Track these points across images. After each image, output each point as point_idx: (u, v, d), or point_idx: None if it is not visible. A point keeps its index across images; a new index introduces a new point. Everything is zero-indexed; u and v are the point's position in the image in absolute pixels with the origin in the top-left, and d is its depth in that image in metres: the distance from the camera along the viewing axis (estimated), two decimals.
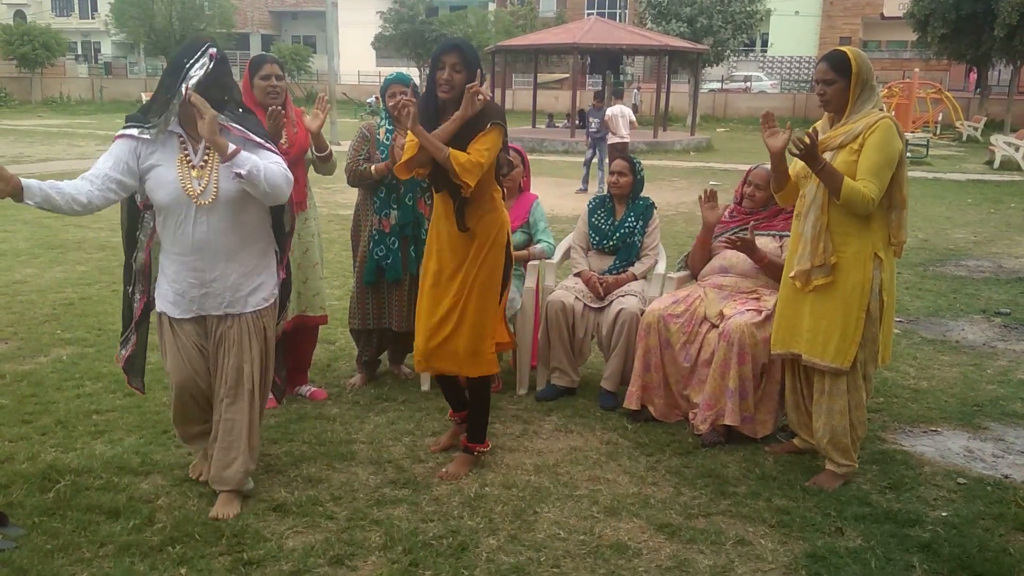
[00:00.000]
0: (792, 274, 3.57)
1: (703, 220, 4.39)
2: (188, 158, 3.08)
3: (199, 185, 3.06)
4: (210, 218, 3.10)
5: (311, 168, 4.39)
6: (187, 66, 2.98)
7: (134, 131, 3.05)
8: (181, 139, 3.10)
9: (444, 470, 3.64)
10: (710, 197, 4.35)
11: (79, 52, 52.43)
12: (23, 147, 19.58)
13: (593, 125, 14.20)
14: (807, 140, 3.28)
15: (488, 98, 3.39)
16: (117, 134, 3.07)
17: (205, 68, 2.98)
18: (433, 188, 3.59)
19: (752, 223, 4.24)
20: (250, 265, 3.24)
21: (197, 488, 3.45)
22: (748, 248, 4.08)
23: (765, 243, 4.21)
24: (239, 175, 3.00)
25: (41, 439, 3.91)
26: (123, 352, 3.44)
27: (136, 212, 3.26)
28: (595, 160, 14.03)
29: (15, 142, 20.91)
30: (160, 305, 3.24)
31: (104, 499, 3.33)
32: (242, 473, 3.29)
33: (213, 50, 3.03)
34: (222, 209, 3.10)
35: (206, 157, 3.09)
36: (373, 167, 4.38)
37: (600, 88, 16.24)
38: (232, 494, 3.29)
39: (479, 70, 3.41)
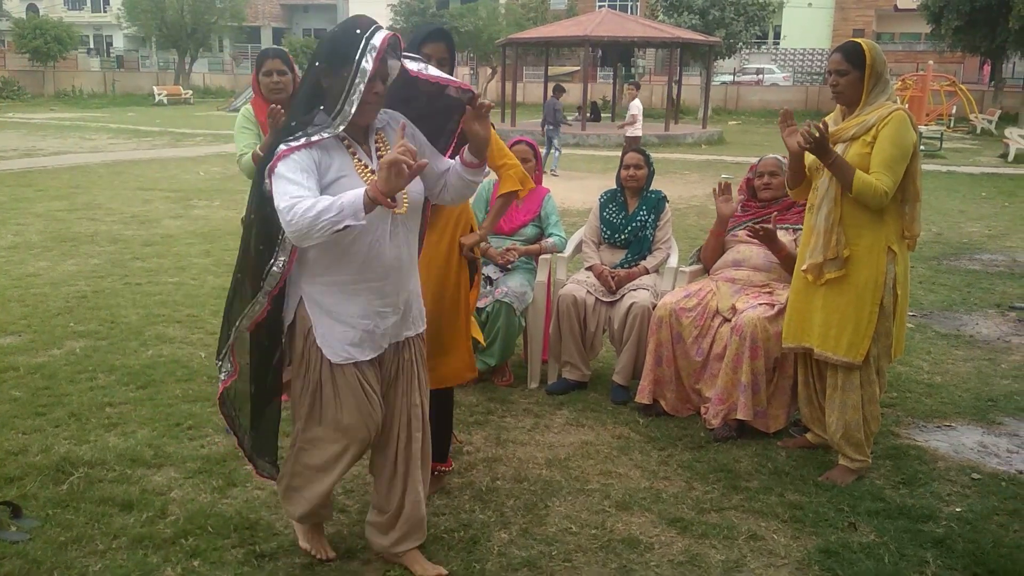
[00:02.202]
0: (804, 267, 3.54)
1: (718, 213, 4.38)
2: (363, 163, 2.56)
3: None
4: (401, 230, 2.63)
5: None
6: (359, 59, 2.39)
7: (302, 139, 2.44)
8: (346, 142, 2.57)
9: None
10: (724, 190, 4.34)
11: (91, 46, 52.65)
12: (36, 140, 19.68)
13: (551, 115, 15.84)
14: (815, 133, 3.25)
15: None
16: (280, 152, 2.42)
17: (374, 55, 2.40)
18: None
19: (775, 213, 4.19)
20: (416, 276, 2.82)
21: (210, 481, 3.46)
22: (768, 238, 4.04)
23: (779, 236, 4.18)
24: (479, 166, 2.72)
25: (55, 431, 3.93)
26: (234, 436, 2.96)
27: (266, 259, 2.55)
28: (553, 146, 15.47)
29: (28, 135, 21.01)
30: (337, 354, 2.62)
31: (117, 491, 3.34)
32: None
33: (383, 35, 2.43)
34: (411, 217, 2.66)
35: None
36: None
37: (557, 84, 17.46)
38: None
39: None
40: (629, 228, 4.68)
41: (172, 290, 6.53)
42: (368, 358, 2.67)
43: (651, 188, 4.79)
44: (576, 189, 13.03)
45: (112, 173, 13.96)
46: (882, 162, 3.30)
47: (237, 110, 4.18)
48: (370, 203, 2.27)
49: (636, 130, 15.32)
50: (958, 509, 3.38)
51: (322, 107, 2.48)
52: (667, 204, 4.79)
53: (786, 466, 3.73)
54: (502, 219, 4.72)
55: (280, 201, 2.35)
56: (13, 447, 3.73)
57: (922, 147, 18.53)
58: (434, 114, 2.79)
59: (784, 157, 3.94)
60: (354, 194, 2.29)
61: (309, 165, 2.42)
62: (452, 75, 3.21)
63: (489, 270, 4.67)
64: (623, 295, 4.48)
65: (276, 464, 2.97)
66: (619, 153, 5.22)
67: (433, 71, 2.65)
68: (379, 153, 2.61)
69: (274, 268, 2.53)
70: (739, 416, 3.93)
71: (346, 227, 2.29)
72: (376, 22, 2.49)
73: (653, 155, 5.00)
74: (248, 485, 3.44)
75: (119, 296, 6.32)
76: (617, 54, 30.92)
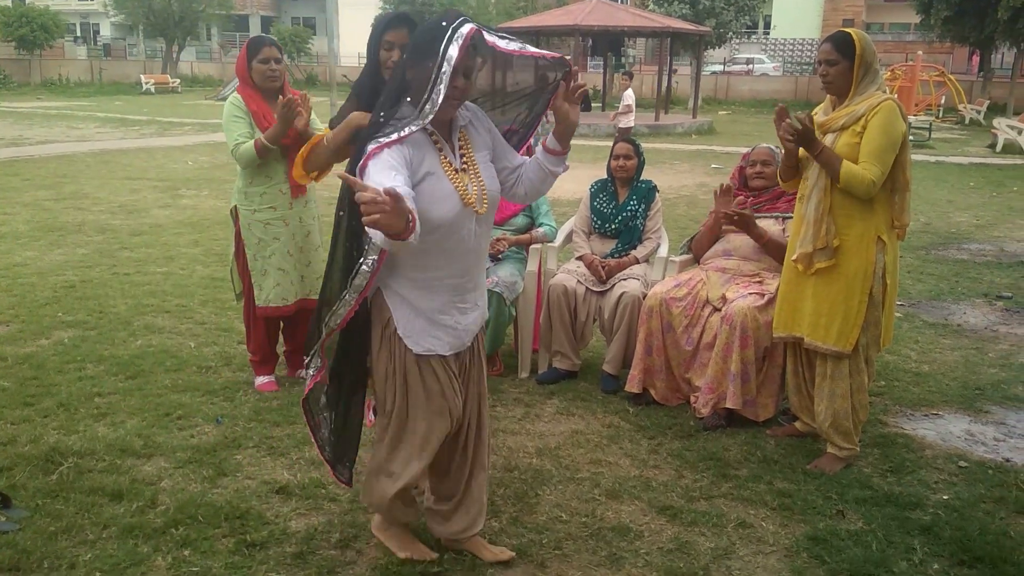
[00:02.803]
0: (794, 257, 3.56)
1: (716, 212, 4.34)
2: (448, 160, 2.55)
3: (472, 191, 2.57)
4: (480, 228, 2.62)
5: None
6: (444, 48, 2.36)
7: (393, 135, 2.41)
8: (434, 138, 2.56)
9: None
10: (725, 192, 4.26)
11: (78, 34, 52.22)
12: (22, 129, 19.52)
13: None
14: (799, 127, 3.26)
15: None
16: (371, 150, 2.39)
17: (460, 45, 2.37)
18: None
19: (749, 199, 4.20)
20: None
21: (200, 471, 3.46)
22: (745, 223, 4.05)
23: (768, 225, 4.19)
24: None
25: (43, 421, 3.91)
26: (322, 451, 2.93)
27: (356, 257, 2.50)
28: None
29: (14, 124, 20.84)
30: (419, 345, 2.63)
31: (107, 481, 3.33)
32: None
33: (470, 26, 2.40)
34: (490, 214, 2.65)
35: (465, 158, 2.61)
36: None
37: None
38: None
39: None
40: (619, 218, 4.68)
41: (161, 280, 6.50)
42: (449, 354, 2.68)
43: (641, 178, 4.79)
44: (566, 179, 12.94)
45: (99, 162, 13.87)
46: (871, 152, 3.31)
47: (225, 99, 4.16)
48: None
49: (628, 120, 15.29)
50: (945, 497, 3.40)
51: (408, 99, 2.45)
52: (657, 194, 4.80)
53: (775, 454, 3.75)
54: None
55: None
56: (2, 437, 3.71)
57: (911, 137, 18.50)
58: (509, 107, 2.80)
59: (777, 147, 3.95)
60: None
61: (400, 162, 2.39)
62: None
63: None
64: (613, 285, 4.49)
65: (352, 470, 2.93)
66: (610, 143, 5.21)
67: (531, 48, 2.62)
68: (462, 151, 2.60)
69: (363, 267, 2.47)
70: (728, 405, 3.94)
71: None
72: (464, 15, 2.45)
73: (643, 145, 5.00)
74: (239, 475, 3.44)
75: (107, 286, 6.29)
76: (607, 44, 30.87)
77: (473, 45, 2.43)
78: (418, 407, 2.69)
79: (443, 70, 2.36)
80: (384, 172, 2.33)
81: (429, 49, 2.39)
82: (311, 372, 2.74)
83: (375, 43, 3.12)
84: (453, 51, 2.36)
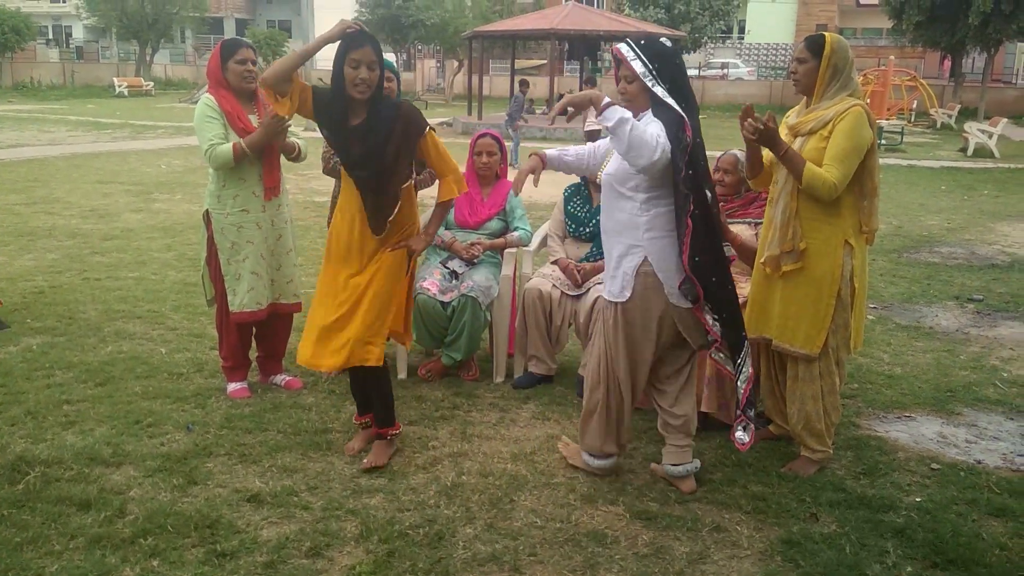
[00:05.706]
0: (763, 260, 3.58)
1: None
2: None
3: None
4: None
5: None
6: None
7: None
8: None
9: (365, 461, 3.58)
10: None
11: (50, 36, 51.59)
12: None
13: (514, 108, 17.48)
14: (760, 126, 3.26)
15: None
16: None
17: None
18: (361, 193, 3.41)
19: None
20: None
21: (170, 479, 3.41)
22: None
23: (741, 230, 4.20)
24: None
25: (10, 430, 3.84)
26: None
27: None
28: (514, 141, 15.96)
29: None
30: None
31: (75, 491, 3.28)
32: None
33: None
34: None
35: None
36: None
37: (522, 79, 18.42)
38: None
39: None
40: (594, 222, 4.68)
41: (132, 285, 6.42)
42: None
43: None
44: (543, 183, 13.00)
45: (71, 166, 13.70)
46: (835, 155, 3.33)
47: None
48: None
49: (592, 124, 15.37)
50: (918, 499, 3.42)
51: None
52: None
53: (749, 458, 3.75)
54: (467, 212, 4.73)
55: None
56: None
57: (883, 141, 18.68)
58: None
59: (742, 151, 3.96)
60: None
61: None
62: (383, 75, 3.34)
63: (455, 264, 4.64)
64: (588, 288, 4.48)
65: None
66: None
67: None
68: None
69: None
70: (703, 409, 3.94)
71: None
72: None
73: None
74: (209, 483, 3.40)
75: (77, 291, 6.20)
76: (584, 48, 30.96)
77: None
78: None
79: None
80: None
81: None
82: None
83: (340, 61, 3.25)
84: None
